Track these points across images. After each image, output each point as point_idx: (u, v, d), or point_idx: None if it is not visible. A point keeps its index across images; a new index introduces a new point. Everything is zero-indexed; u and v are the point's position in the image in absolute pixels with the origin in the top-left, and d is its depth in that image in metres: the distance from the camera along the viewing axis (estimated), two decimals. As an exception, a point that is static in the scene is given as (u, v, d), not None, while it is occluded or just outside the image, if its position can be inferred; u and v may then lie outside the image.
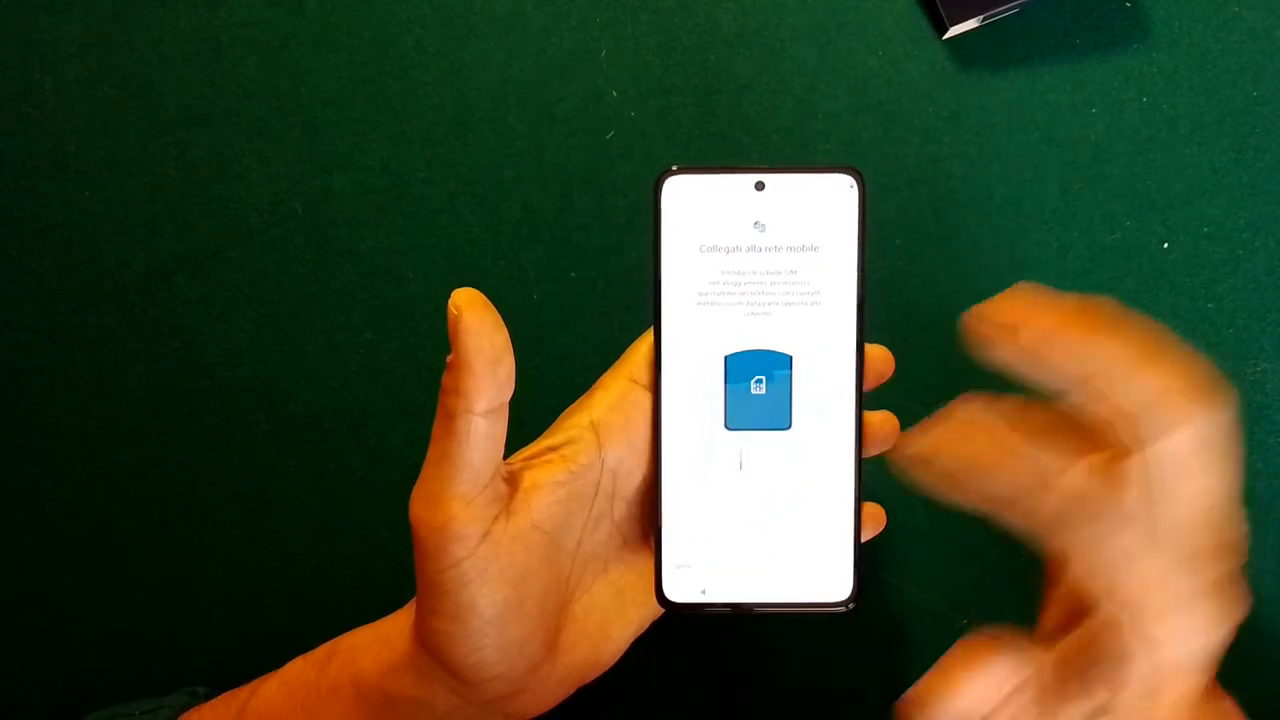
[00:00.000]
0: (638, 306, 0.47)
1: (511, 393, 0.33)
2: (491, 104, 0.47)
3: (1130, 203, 0.47)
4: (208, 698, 0.42)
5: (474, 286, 0.47)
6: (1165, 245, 0.47)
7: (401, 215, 0.47)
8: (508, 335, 0.32)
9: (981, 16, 0.46)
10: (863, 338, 0.36)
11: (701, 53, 0.47)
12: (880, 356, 0.37)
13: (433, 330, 0.47)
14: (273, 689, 0.39)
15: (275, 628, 0.47)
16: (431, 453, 0.33)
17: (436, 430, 0.33)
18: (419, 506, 0.33)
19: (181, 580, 0.47)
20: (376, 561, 0.47)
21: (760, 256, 0.36)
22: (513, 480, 0.35)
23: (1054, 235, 0.47)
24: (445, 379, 0.32)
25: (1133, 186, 0.47)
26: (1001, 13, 0.46)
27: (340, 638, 0.39)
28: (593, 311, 0.47)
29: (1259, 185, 0.47)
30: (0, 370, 0.47)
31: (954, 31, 0.47)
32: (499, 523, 0.33)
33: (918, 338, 0.47)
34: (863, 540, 0.37)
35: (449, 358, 0.32)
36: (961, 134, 0.47)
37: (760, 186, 0.36)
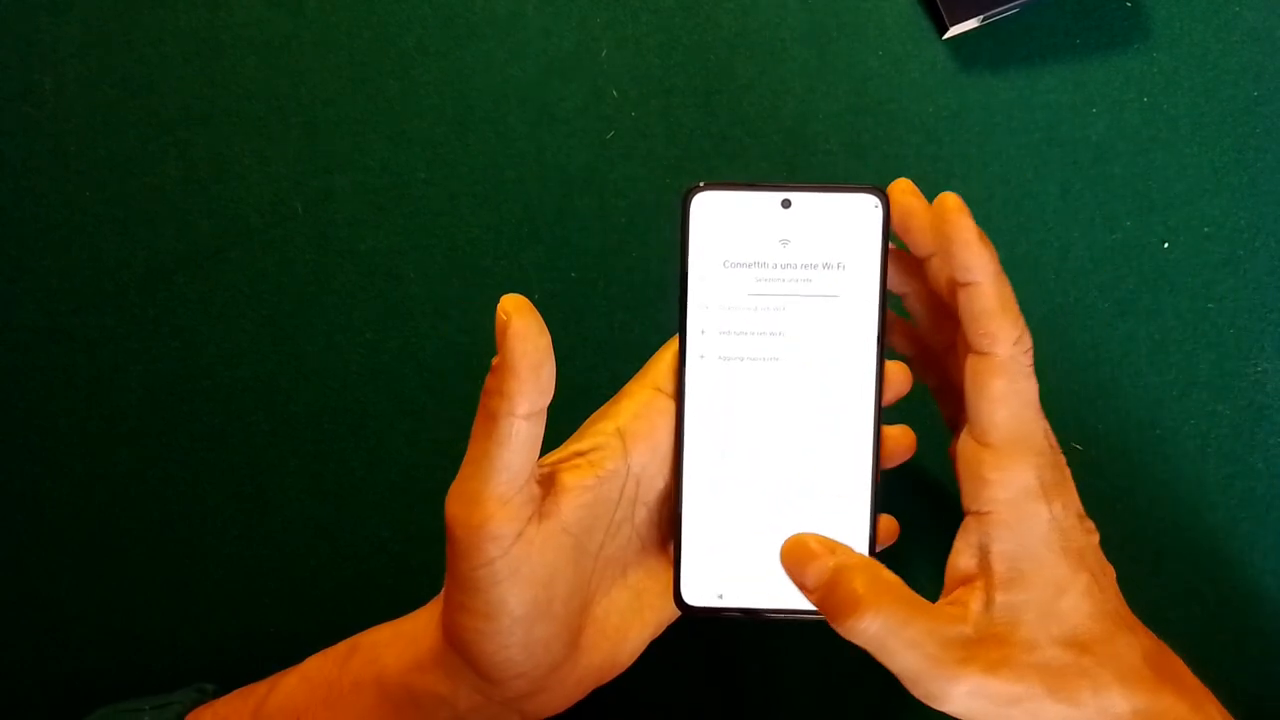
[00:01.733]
0: (638, 306, 0.47)
1: (551, 397, 0.34)
2: (492, 104, 0.47)
3: (1130, 203, 0.47)
4: (216, 695, 0.42)
5: (474, 286, 0.47)
6: (1165, 245, 0.47)
7: (401, 215, 0.47)
8: (550, 341, 0.33)
9: (981, 16, 0.46)
10: (883, 354, 0.37)
11: (702, 53, 0.47)
12: (899, 372, 0.38)
13: (433, 330, 0.47)
14: (292, 684, 0.39)
15: (275, 628, 0.47)
16: (471, 453, 0.34)
17: (477, 431, 0.33)
18: (456, 505, 0.34)
19: (181, 580, 0.47)
20: (376, 561, 0.47)
21: (785, 272, 0.37)
22: (545, 483, 0.35)
23: (1054, 235, 0.47)
24: (489, 381, 0.33)
25: (1133, 186, 0.47)
26: (1001, 13, 0.46)
27: (361, 634, 0.40)
28: (593, 311, 0.47)
29: (1259, 185, 0.47)
30: (0, 370, 0.47)
31: (954, 31, 0.47)
32: (532, 524, 0.34)
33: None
34: (877, 551, 0.37)
35: (494, 360, 0.33)
36: (962, 134, 0.47)
37: (787, 204, 0.37)
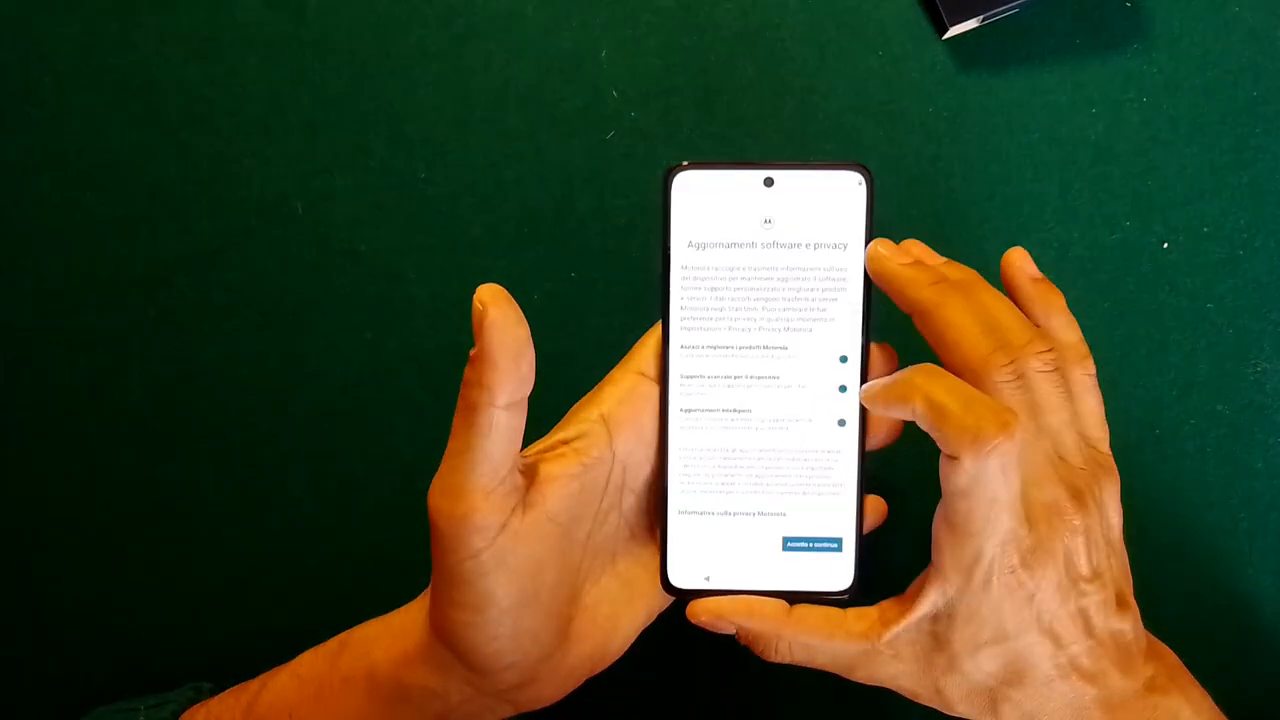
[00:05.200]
0: (638, 307, 0.47)
1: (531, 387, 0.34)
2: (492, 104, 0.47)
3: (1130, 203, 0.47)
4: (212, 693, 0.42)
5: (474, 286, 0.47)
6: (1165, 245, 0.47)
7: (401, 215, 0.47)
8: (529, 331, 0.33)
9: (981, 16, 0.46)
10: (868, 334, 0.37)
11: (702, 53, 0.47)
12: (884, 353, 0.38)
13: (432, 330, 0.47)
14: (284, 681, 0.39)
15: (275, 628, 0.47)
16: (452, 445, 0.34)
17: (457, 423, 0.33)
18: (439, 498, 0.33)
19: (181, 580, 0.47)
20: (376, 561, 0.47)
21: (768, 252, 0.36)
22: (529, 472, 0.35)
23: (1054, 235, 0.47)
24: (468, 372, 0.33)
25: (1133, 186, 0.47)
26: (1001, 13, 0.46)
27: (351, 630, 0.40)
28: (593, 311, 0.47)
29: (1259, 185, 0.47)
30: (0, 370, 0.47)
31: (954, 31, 0.47)
32: (516, 514, 0.34)
33: (917, 339, 0.46)
34: (864, 532, 0.38)
35: (472, 351, 0.33)
36: (962, 134, 0.47)
37: (769, 182, 0.36)
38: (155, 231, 0.47)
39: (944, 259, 0.38)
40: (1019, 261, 0.38)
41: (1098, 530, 0.35)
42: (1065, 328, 0.38)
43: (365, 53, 0.47)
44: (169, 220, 0.47)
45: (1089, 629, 0.34)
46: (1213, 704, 0.36)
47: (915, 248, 0.38)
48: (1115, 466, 0.37)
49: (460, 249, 0.47)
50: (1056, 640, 0.34)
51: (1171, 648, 0.37)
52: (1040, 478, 0.34)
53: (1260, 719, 0.46)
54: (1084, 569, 0.34)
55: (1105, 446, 0.37)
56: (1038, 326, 0.37)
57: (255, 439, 0.47)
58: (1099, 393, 0.37)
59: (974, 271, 0.38)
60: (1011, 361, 0.34)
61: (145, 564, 0.47)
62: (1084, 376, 0.37)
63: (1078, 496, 0.34)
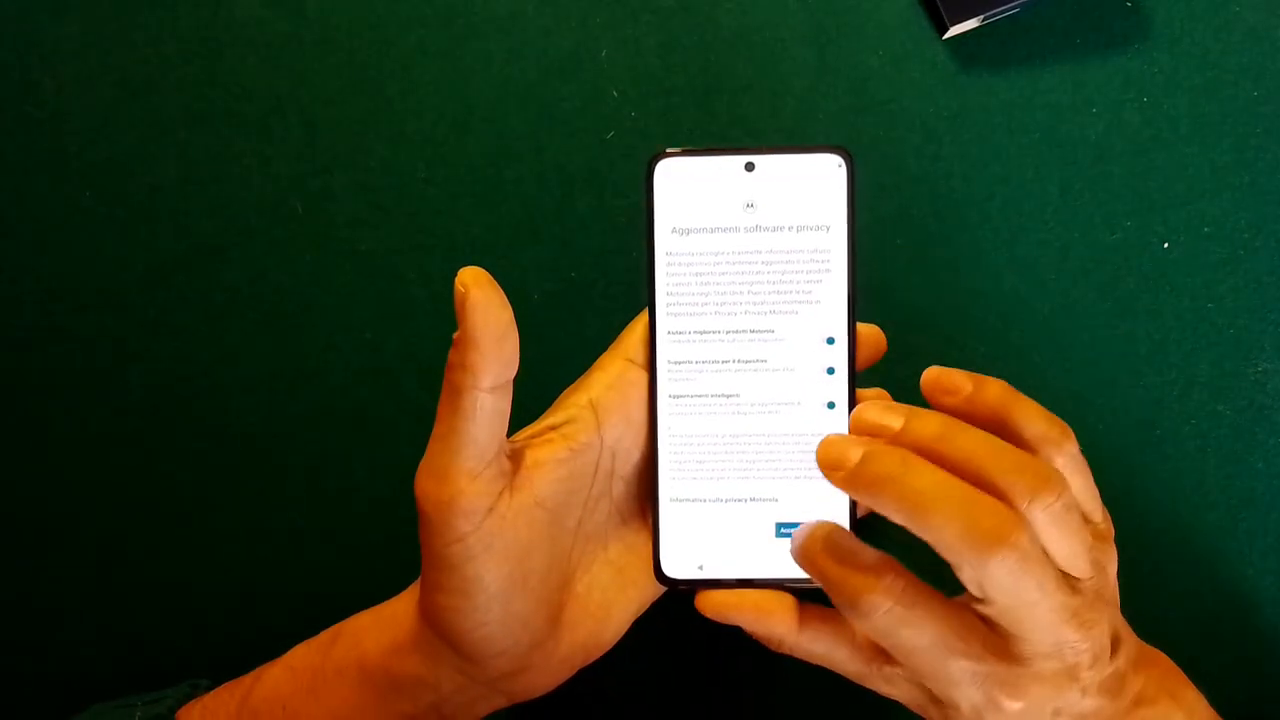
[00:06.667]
0: (638, 307, 0.47)
1: (516, 370, 0.34)
2: (491, 104, 0.47)
3: (1130, 203, 0.47)
4: (209, 690, 0.42)
5: (474, 286, 0.47)
6: (1165, 245, 0.47)
7: (401, 215, 0.47)
8: (512, 313, 0.33)
9: (981, 16, 0.46)
10: (854, 316, 0.37)
11: (702, 53, 0.47)
12: (872, 335, 0.37)
13: (433, 330, 0.47)
14: (277, 674, 0.39)
15: (275, 628, 0.47)
16: (437, 429, 0.33)
17: (443, 407, 0.33)
18: (426, 482, 0.33)
19: (181, 580, 0.47)
20: (376, 562, 0.47)
21: (751, 236, 0.36)
22: (516, 457, 0.35)
23: (1054, 235, 0.47)
24: (452, 355, 0.33)
25: (1133, 186, 0.47)
26: (1001, 13, 0.46)
27: (344, 621, 0.40)
28: (593, 311, 0.47)
29: (1259, 185, 0.47)
30: (0, 370, 0.47)
31: (954, 31, 0.47)
32: (503, 498, 0.34)
33: (917, 338, 0.47)
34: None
35: (455, 334, 0.33)
36: (962, 134, 0.47)
37: (750, 167, 0.36)
38: (155, 231, 0.47)
39: (907, 410, 0.32)
40: (939, 380, 0.34)
41: (1103, 629, 0.33)
42: (1033, 419, 0.33)
43: (365, 53, 0.47)
44: (169, 220, 0.47)
45: (1085, 691, 0.33)
46: (1207, 705, 0.36)
47: (870, 412, 0.32)
48: (1112, 534, 0.35)
49: (460, 249, 0.47)
50: (1056, 711, 0.34)
51: (1172, 648, 0.37)
52: (1053, 622, 0.32)
53: (1260, 719, 0.46)
54: (1085, 675, 0.33)
55: (1098, 517, 0.34)
56: (1007, 420, 0.33)
57: (255, 439, 0.47)
58: (1086, 469, 0.34)
59: (939, 417, 0.32)
60: (1013, 536, 0.30)
61: (145, 563, 0.47)
62: (1069, 460, 0.33)
63: (1084, 623, 0.32)
